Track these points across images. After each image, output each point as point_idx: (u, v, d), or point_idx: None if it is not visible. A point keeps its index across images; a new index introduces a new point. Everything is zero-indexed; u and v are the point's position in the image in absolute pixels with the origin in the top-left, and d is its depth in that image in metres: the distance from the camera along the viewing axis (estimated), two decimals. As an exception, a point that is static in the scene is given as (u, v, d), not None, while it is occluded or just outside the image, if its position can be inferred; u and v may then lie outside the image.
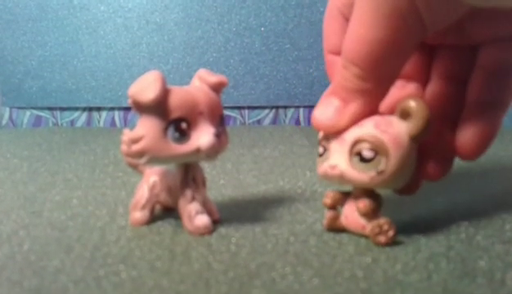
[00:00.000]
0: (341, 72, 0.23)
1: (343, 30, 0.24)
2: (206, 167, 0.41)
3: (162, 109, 0.23)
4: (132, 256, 0.23)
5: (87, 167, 0.44)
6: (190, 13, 0.75)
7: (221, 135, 0.25)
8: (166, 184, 0.27)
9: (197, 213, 0.26)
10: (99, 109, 0.78)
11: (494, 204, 0.31)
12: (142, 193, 0.28)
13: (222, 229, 0.26)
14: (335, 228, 0.26)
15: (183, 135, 0.24)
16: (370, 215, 0.24)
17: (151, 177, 0.27)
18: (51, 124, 0.79)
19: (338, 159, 0.23)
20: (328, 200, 0.25)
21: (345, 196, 0.26)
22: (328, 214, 0.26)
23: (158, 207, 0.29)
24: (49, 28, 0.75)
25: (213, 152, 0.24)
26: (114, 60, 0.76)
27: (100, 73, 0.76)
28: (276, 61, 0.77)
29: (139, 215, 0.27)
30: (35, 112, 0.78)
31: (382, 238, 0.24)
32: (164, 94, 0.23)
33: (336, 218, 0.26)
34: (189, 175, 0.26)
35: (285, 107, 0.78)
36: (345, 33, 0.23)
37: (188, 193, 0.26)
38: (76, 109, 0.78)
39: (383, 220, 0.24)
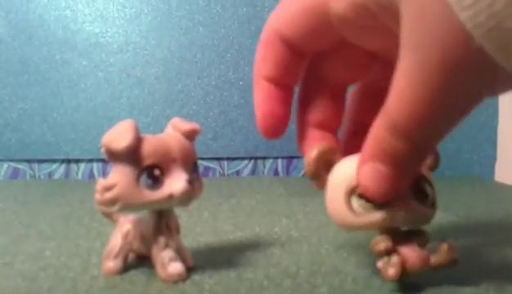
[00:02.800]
0: (389, 141, 0.20)
1: (318, 33, 0.23)
2: (183, 215, 0.41)
3: (135, 157, 0.24)
4: (103, 305, 0.23)
5: (62, 219, 0.44)
6: (171, 67, 0.77)
7: (194, 182, 0.25)
8: (139, 232, 0.27)
9: (170, 260, 0.26)
10: (77, 161, 0.78)
11: (466, 250, 0.32)
12: (116, 241, 0.27)
13: (196, 276, 0.26)
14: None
15: (156, 182, 0.24)
16: (385, 253, 0.23)
17: (125, 225, 0.28)
18: (28, 176, 0.78)
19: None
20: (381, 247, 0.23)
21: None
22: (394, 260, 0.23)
23: (131, 256, 0.29)
24: (30, 82, 0.76)
25: (186, 198, 0.25)
26: (95, 112, 0.77)
27: (80, 125, 0.77)
28: (254, 114, 0.78)
29: (112, 264, 0.27)
30: (12, 164, 0.78)
31: (390, 271, 0.22)
32: (137, 142, 0.24)
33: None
34: (162, 221, 0.26)
35: (264, 158, 0.80)
36: (281, 61, 0.23)
37: (161, 240, 0.26)
38: (54, 161, 0.78)
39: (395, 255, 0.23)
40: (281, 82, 0.25)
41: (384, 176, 0.21)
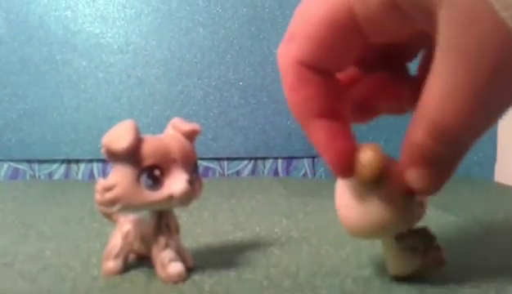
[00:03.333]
0: (435, 148, 0.20)
1: (346, 44, 0.21)
2: (183, 215, 0.41)
3: (135, 157, 0.24)
4: (102, 306, 0.23)
5: (62, 219, 0.44)
6: (171, 68, 0.77)
7: (194, 182, 0.25)
8: (139, 232, 0.27)
9: (170, 261, 0.26)
10: (77, 161, 0.78)
11: (465, 251, 0.32)
12: (116, 241, 0.27)
13: (196, 276, 0.26)
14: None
15: (156, 183, 0.24)
16: None
17: (125, 226, 0.28)
18: (28, 177, 0.78)
19: None
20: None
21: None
22: None
23: (132, 256, 0.29)
24: (30, 83, 0.76)
25: (186, 199, 0.25)
26: (95, 113, 0.77)
27: (80, 126, 0.77)
28: (254, 114, 0.79)
29: (112, 264, 0.27)
30: (13, 164, 0.78)
31: None
32: (137, 142, 0.24)
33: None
34: (162, 222, 0.26)
35: (264, 158, 0.80)
36: (324, 91, 0.22)
37: (161, 240, 0.26)
38: (54, 161, 0.78)
39: None
40: (335, 113, 0.23)
41: (431, 179, 0.21)
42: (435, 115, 0.19)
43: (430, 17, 0.18)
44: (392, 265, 0.25)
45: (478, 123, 0.19)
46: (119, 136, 0.23)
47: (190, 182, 0.25)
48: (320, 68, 0.22)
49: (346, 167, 0.22)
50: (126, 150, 0.23)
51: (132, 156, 0.23)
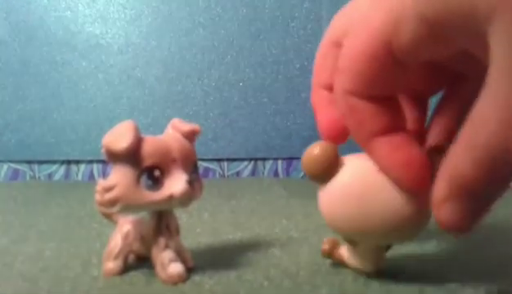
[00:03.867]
0: (485, 181, 0.18)
1: (373, 112, 0.22)
2: (183, 216, 0.42)
3: (135, 158, 0.24)
4: (102, 306, 0.23)
5: (62, 220, 0.44)
6: (171, 69, 0.77)
7: (194, 183, 0.25)
8: (139, 233, 0.27)
9: (170, 261, 0.26)
10: (77, 162, 0.78)
11: (466, 251, 0.32)
12: (116, 242, 0.27)
13: (196, 277, 0.26)
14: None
15: (156, 183, 0.24)
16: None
17: (125, 226, 0.28)
18: (28, 177, 0.78)
19: None
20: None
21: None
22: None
23: (132, 257, 0.29)
24: (30, 83, 0.76)
25: (186, 199, 0.25)
26: (95, 113, 0.77)
27: (80, 126, 0.77)
28: (254, 115, 0.79)
29: (112, 265, 0.27)
30: (12, 165, 0.78)
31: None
32: (137, 143, 0.24)
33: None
34: (162, 222, 0.26)
35: (264, 159, 0.80)
36: (376, 113, 0.22)
37: (161, 241, 0.26)
38: (54, 162, 0.78)
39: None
40: (392, 129, 0.22)
41: (474, 212, 0.19)
42: (491, 144, 0.17)
43: (479, 38, 0.17)
44: (371, 262, 0.26)
45: None
46: (119, 137, 0.23)
47: (190, 182, 0.25)
48: (368, 96, 0.22)
49: (418, 175, 0.22)
50: (126, 150, 0.23)
51: (132, 156, 0.23)
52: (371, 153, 0.22)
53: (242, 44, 0.78)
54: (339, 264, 0.27)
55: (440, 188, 0.19)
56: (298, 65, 0.78)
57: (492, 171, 0.17)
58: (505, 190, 0.18)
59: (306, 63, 0.78)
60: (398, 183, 0.22)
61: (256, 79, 0.78)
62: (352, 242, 0.25)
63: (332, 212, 0.23)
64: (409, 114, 0.26)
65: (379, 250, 0.26)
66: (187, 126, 0.26)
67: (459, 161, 0.18)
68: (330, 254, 0.28)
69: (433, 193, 0.20)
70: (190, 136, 0.26)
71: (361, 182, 0.22)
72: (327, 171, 0.23)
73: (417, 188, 0.21)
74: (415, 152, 0.22)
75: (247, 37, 0.78)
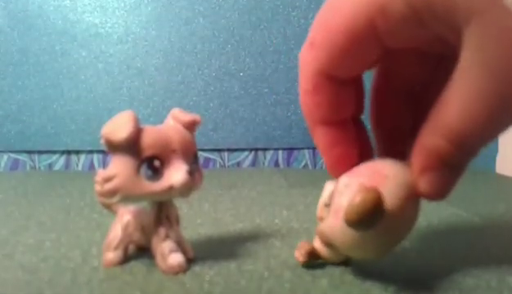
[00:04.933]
0: (451, 151, 0.21)
1: (365, 55, 0.23)
2: (183, 206, 0.41)
3: (135, 148, 0.23)
4: (103, 297, 0.23)
5: (62, 210, 0.44)
6: (171, 58, 0.77)
7: (194, 173, 0.25)
8: (139, 223, 0.27)
9: (171, 252, 0.26)
10: (77, 152, 0.78)
11: (466, 242, 0.32)
12: (115, 232, 0.27)
13: (197, 267, 0.26)
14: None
15: (156, 173, 0.24)
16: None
17: (125, 216, 0.27)
18: (28, 168, 0.78)
19: None
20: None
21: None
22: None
23: (132, 247, 0.29)
24: (30, 73, 0.76)
25: (187, 189, 0.24)
26: (95, 103, 0.76)
27: (80, 116, 0.76)
28: (254, 105, 0.78)
29: (112, 255, 0.27)
30: (13, 155, 0.78)
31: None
32: (137, 133, 0.23)
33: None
34: (162, 213, 0.26)
35: (264, 149, 0.79)
36: (333, 99, 0.23)
37: (162, 231, 0.26)
38: (54, 152, 0.78)
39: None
40: (340, 121, 0.25)
41: (445, 182, 0.22)
42: (456, 123, 0.20)
43: (455, 31, 0.19)
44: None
45: (494, 131, 0.20)
46: (119, 127, 0.23)
47: (191, 173, 0.24)
48: (335, 76, 0.23)
49: (339, 172, 0.24)
50: (125, 141, 0.23)
51: (131, 146, 0.23)
52: (314, 136, 0.25)
53: (242, 34, 0.77)
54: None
55: (418, 161, 0.22)
56: (298, 55, 0.77)
57: (456, 145, 0.21)
58: (471, 160, 0.22)
59: (307, 53, 0.77)
60: (329, 168, 0.25)
61: (257, 69, 0.78)
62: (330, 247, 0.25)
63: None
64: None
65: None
66: (188, 117, 0.26)
67: (429, 137, 0.21)
68: (309, 260, 0.26)
69: (412, 166, 0.22)
70: (191, 127, 0.26)
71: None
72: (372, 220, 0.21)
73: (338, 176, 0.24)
74: (348, 150, 0.25)
75: (247, 26, 0.77)
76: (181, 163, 0.24)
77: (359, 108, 0.27)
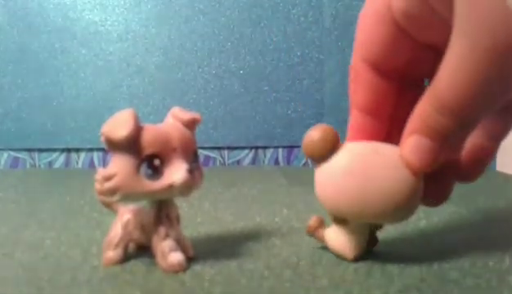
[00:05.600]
0: (435, 117, 0.22)
1: (391, 40, 0.24)
2: (183, 205, 0.41)
3: (135, 146, 0.23)
4: (103, 295, 0.23)
5: (62, 208, 0.43)
6: (171, 56, 0.77)
7: (194, 172, 0.25)
8: (139, 222, 0.27)
9: (171, 250, 0.26)
10: (77, 150, 0.78)
11: (467, 241, 0.32)
12: (116, 231, 0.27)
13: (197, 266, 0.26)
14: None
15: (156, 172, 0.24)
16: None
17: (125, 215, 0.27)
18: (28, 165, 0.78)
19: None
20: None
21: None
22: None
23: (132, 246, 0.29)
24: (29, 71, 0.76)
25: (187, 188, 0.24)
26: (95, 101, 0.76)
27: (80, 114, 0.76)
28: (254, 103, 0.78)
29: (112, 254, 0.27)
30: (13, 153, 0.78)
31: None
32: (137, 131, 0.23)
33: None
34: (162, 212, 0.26)
35: (264, 147, 0.79)
36: (393, 43, 0.24)
37: (162, 230, 0.26)
38: (54, 150, 0.78)
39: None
40: (374, 112, 0.26)
41: (427, 149, 0.22)
42: (440, 87, 0.21)
43: (451, 5, 0.19)
44: (352, 248, 0.26)
45: (480, 101, 0.20)
46: (119, 125, 0.23)
47: (191, 171, 0.24)
48: (373, 63, 0.25)
49: None
50: (126, 139, 0.23)
51: (131, 145, 0.23)
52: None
53: (243, 31, 0.77)
54: (320, 243, 0.29)
55: (406, 126, 0.23)
56: (299, 53, 0.77)
57: (439, 110, 0.21)
58: (460, 136, 0.22)
59: (307, 50, 0.77)
60: None
61: (257, 67, 0.78)
62: (341, 222, 0.26)
63: (330, 191, 0.24)
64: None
65: (364, 236, 0.27)
66: (188, 115, 0.26)
67: (421, 103, 0.22)
68: (314, 232, 0.29)
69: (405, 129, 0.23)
70: (191, 125, 0.26)
71: (360, 161, 0.24)
72: (327, 152, 0.25)
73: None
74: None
75: (247, 24, 0.77)
76: (182, 162, 0.24)
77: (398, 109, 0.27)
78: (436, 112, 0.21)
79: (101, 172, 0.24)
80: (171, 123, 0.26)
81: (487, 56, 0.19)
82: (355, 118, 0.26)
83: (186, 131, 0.26)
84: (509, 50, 0.18)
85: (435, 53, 0.24)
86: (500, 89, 0.20)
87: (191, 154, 0.25)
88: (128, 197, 0.24)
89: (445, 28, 0.21)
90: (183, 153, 0.25)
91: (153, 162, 0.24)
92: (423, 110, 0.22)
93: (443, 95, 0.21)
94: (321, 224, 0.29)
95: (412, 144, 0.23)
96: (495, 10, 0.18)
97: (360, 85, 0.26)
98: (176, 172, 0.24)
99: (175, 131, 0.25)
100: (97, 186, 0.25)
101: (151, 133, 0.24)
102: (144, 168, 0.23)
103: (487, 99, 0.20)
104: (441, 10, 0.21)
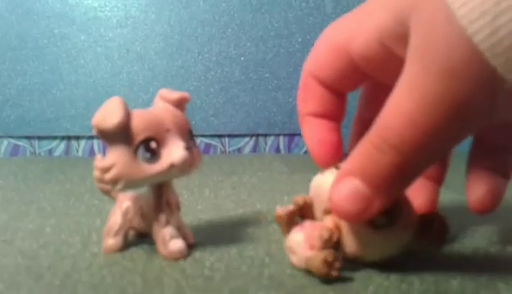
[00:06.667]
0: (372, 155, 0.19)
1: (343, 72, 0.24)
2: (184, 192, 0.41)
3: (128, 133, 0.23)
4: (103, 284, 0.22)
5: (62, 196, 0.43)
6: (171, 43, 0.76)
7: (192, 149, 0.25)
8: (139, 209, 0.27)
9: (171, 237, 0.25)
10: (78, 137, 0.77)
11: (468, 228, 0.32)
12: (115, 219, 0.27)
13: (197, 253, 0.26)
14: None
15: (154, 155, 0.23)
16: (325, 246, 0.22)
17: (124, 203, 0.27)
18: (28, 153, 0.78)
19: None
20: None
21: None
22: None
23: (131, 233, 0.29)
24: (29, 57, 0.75)
25: (187, 166, 0.24)
26: (94, 88, 0.76)
27: (79, 101, 0.76)
28: (255, 90, 0.78)
29: (112, 241, 0.27)
30: (13, 141, 0.77)
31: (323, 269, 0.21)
32: (128, 118, 0.23)
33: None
34: (163, 199, 0.26)
35: (265, 135, 0.79)
36: (345, 75, 0.23)
37: (162, 217, 0.25)
38: (54, 138, 0.77)
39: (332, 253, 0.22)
40: (326, 116, 0.26)
41: (361, 196, 0.20)
42: (384, 119, 0.19)
43: (407, 43, 0.18)
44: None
45: (431, 132, 0.17)
46: (109, 114, 0.23)
47: (188, 149, 0.24)
48: (324, 82, 0.25)
49: (322, 156, 0.26)
50: (117, 126, 0.23)
51: (124, 132, 0.23)
52: (302, 127, 0.27)
53: (243, 17, 0.76)
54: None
55: (348, 162, 0.21)
56: (300, 39, 0.76)
57: (376, 143, 0.19)
58: (399, 181, 0.19)
59: (308, 37, 0.76)
60: (312, 153, 0.26)
61: (257, 54, 0.77)
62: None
63: None
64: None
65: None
66: (176, 95, 0.26)
67: (365, 137, 0.20)
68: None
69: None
70: (180, 104, 0.26)
71: None
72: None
73: (323, 164, 0.25)
74: (334, 136, 0.26)
75: (248, 10, 0.76)
76: (178, 141, 0.24)
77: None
78: (376, 150, 0.19)
79: (100, 163, 0.24)
80: (160, 106, 0.26)
81: (441, 79, 0.17)
82: (311, 122, 0.26)
83: (177, 111, 0.25)
84: (466, 73, 0.16)
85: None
86: (460, 117, 0.17)
87: (186, 133, 0.25)
88: (131, 184, 0.24)
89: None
90: (178, 133, 0.24)
91: (150, 146, 0.23)
92: (362, 148, 0.20)
93: (386, 127, 0.18)
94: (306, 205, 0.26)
95: (345, 188, 0.20)
96: (452, 36, 0.16)
97: (310, 95, 0.26)
98: (174, 152, 0.24)
99: (166, 112, 0.25)
100: (96, 174, 0.25)
101: (142, 118, 0.24)
102: (142, 153, 0.23)
103: (442, 130, 0.17)
104: (401, 53, 0.19)
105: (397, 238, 0.22)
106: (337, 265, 0.22)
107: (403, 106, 0.18)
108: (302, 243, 0.22)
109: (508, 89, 0.16)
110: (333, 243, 0.22)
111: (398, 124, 0.18)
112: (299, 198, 0.25)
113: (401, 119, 0.18)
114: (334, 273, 0.21)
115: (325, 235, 0.22)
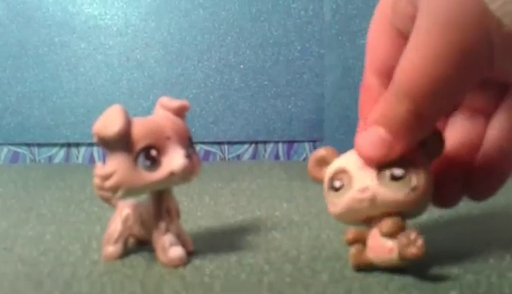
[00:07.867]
0: (392, 104, 0.21)
1: (393, 46, 0.24)
2: (183, 199, 0.41)
3: (128, 141, 0.23)
4: (103, 291, 0.22)
5: (62, 203, 0.43)
6: (171, 50, 0.77)
7: (192, 156, 0.25)
8: (139, 217, 0.27)
9: (171, 245, 0.26)
10: (77, 145, 0.78)
11: (466, 237, 0.32)
12: (115, 226, 0.27)
13: (197, 261, 0.26)
14: (362, 264, 0.24)
15: (154, 163, 0.24)
16: (396, 233, 0.22)
17: (124, 210, 0.27)
18: (28, 160, 0.78)
19: (367, 182, 0.22)
20: (349, 235, 0.24)
21: (366, 233, 0.24)
22: (352, 250, 0.24)
23: (131, 240, 0.29)
24: (29, 65, 0.76)
25: (187, 173, 0.24)
26: (94, 96, 0.76)
27: (79, 109, 0.76)
28: (255, 97, 0.78)
29: (112, 249, 0.27)
30: (12, 148, 0.77)
31: (413, 249, 0.21)
32: (128, 125, 0.23)
33: (361, 252, 0.24)
34: (162, 206, 0.26)
35: (265, 142, 0.79)
36: (396, 49, 0.23)
37: (162, 224, 0.26)
38: (54, 145, 0.78)
39: (409, 231, 0.22)
40: None
41: (381, 142, 0.22)
42: (398, 71, 0.21)
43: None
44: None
45: (439, 82, 0.19)
46: (109, 122, 0.23)
47: (188, 156, 0.24)
48: (381, 73, 0.25)
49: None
50: (118, 134, 0.23)
51: (125, 140, 0.23)
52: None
53: (243, 25, 0.77)
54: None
55: (373, 111, 0.22)
56: (299, 47, 0.77)
57: (394, 95, 0.21)
58: (417, 128, 0.21)
59: (307, 45, 0.77)
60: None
61: (257, 61, 0.78)
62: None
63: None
64: None
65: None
66: (176, 103, 0.26)
67: (388, 94, 0.21)
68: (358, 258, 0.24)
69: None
70: (180, 112, 0.26)
71: None
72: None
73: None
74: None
75: (248, 18, 0.77)
76: (178, 149, 0.24)
77: None
78: (395, 99, 0.21)
79: (100, 171, 0.24)
80: (160, 114, 0.26)
81: (446, 29, 0.19)
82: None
83: (177, 119, 0.26)
84: (467, 22, 0.18)
85: None
86: (465, 66, 0.19)
87: (186, 141, 0.25)
88: (131, 192, 0.24)
89: None
90: (178, 141, 0.24)
91: (150, 154, 0.23)
92: (384, 99, 0.22)
93: (400, 79, 0.20)
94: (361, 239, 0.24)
95: (368, 134, 0.22)
96: None
97: (370, 99, 0.25)
98: (174, 159, 0.24)
99: (166, 120, 0.25)
100: (96, 181, 0.25)
101: (143, 125, 0.24)
102: (142, 160, 0.23)
103: (446, 84, 0.19)
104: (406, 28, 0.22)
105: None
106: (419, 242, 0.21)
107: (414, 58, 0.20)
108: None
109: (505, 34, 0.18)
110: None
111: (411, 75, 0.20)
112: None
113: (413, 70, 0.20)
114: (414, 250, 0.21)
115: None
